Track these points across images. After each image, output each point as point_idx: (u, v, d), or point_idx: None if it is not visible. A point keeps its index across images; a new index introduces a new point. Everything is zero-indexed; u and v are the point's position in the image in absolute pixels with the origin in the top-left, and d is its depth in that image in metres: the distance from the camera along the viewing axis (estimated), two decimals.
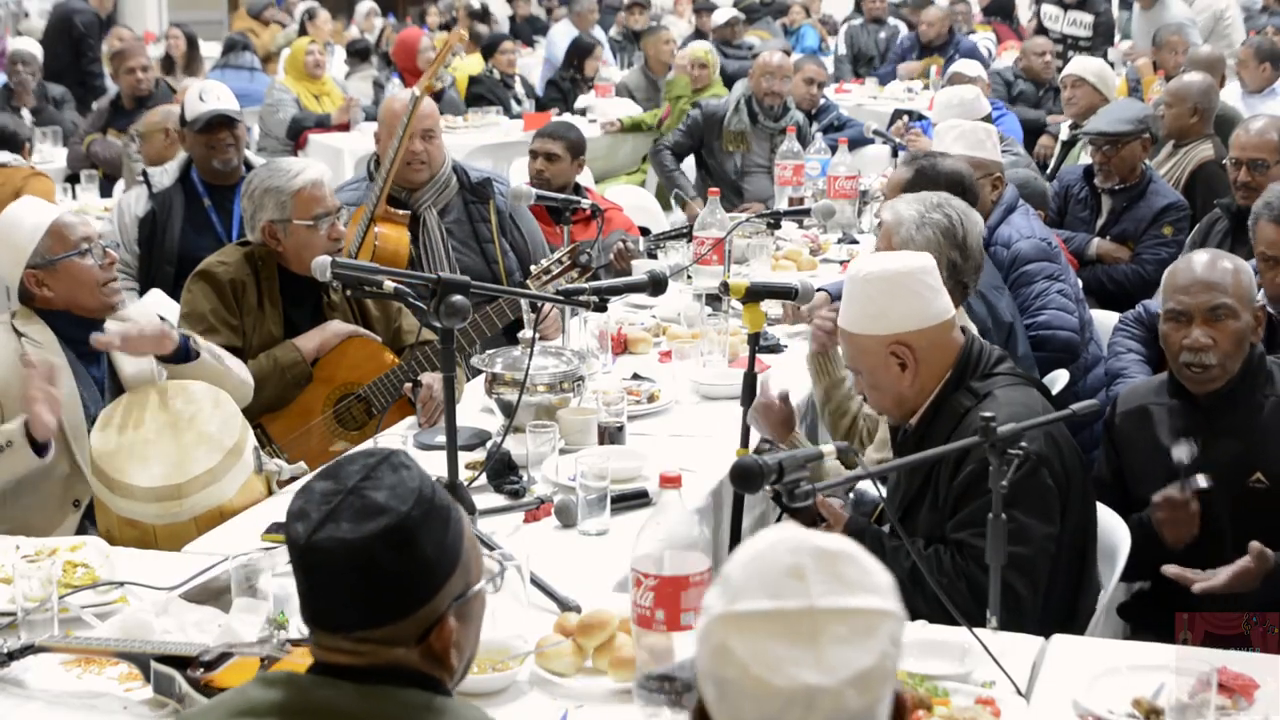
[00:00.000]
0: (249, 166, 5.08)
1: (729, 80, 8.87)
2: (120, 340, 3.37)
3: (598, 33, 12.62)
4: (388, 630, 1.72)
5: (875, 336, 2.93)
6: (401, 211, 4.63)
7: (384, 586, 1.71)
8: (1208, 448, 3.18)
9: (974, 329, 3.46)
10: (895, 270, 2.96)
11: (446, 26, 14.78)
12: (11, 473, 3.26)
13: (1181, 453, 3.10)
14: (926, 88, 10.20)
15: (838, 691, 1.38)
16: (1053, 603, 2.87)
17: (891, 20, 12.43)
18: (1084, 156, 6.68)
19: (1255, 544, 2.98)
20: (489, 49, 10.66)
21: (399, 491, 1.72)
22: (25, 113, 8.89)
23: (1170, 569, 3.03)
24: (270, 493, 3.38)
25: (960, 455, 2.83)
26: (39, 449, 3.24)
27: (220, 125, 5.08)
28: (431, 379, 3.79)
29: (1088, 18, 10.42)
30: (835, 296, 4.42)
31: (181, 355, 3.45)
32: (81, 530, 3.37)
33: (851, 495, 3.32)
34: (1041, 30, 10.64)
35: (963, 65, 8.38)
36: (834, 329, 3.73)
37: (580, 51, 10.84)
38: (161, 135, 6.15)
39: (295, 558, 1.75)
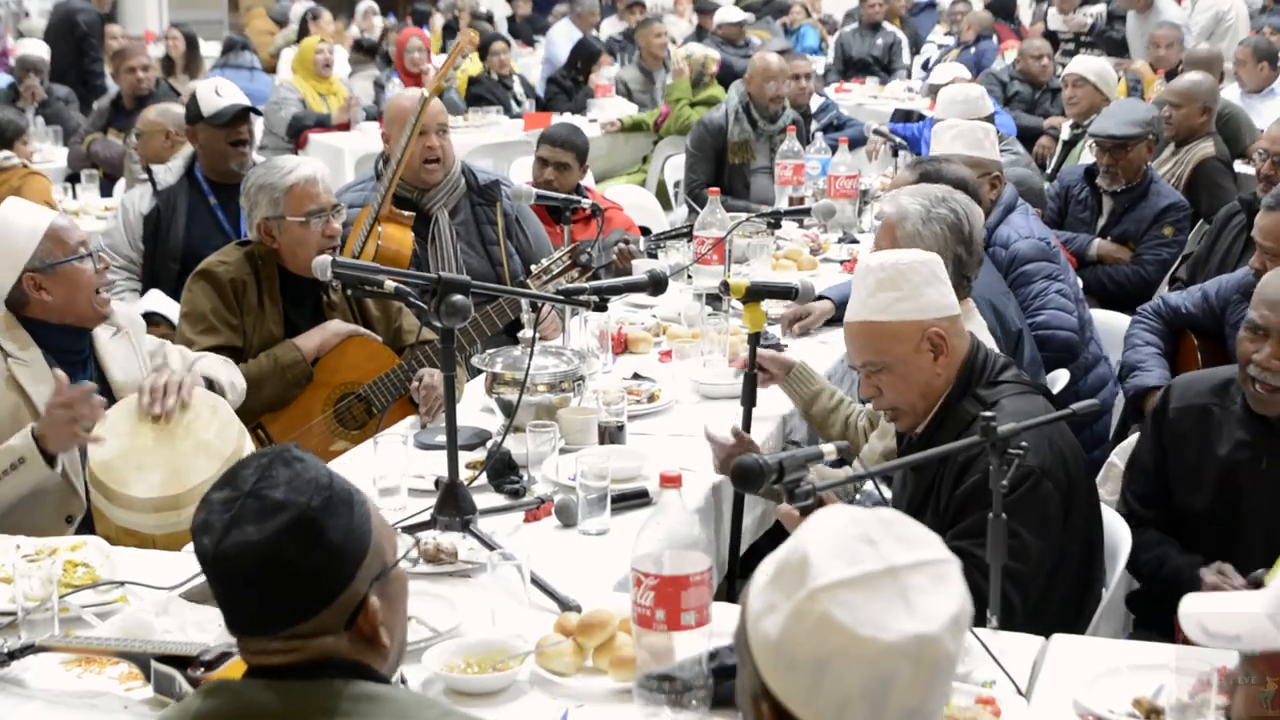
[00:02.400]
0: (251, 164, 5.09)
1: (731, 78, 8.86)
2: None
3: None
4: (312, 623, 1.73)
5: (911, 322, 2.89)
6: (407, 212, 4.62)
7: (299, 580, 1.72)
8: (1272, 470, 3.07)
9: (984, 334, 3.44)
10: (924, 259, 2.96)
11: (450, 28, 14.79)
12: (25, 487, 3.24)
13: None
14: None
15: (939, 637, 1.43)
16: (1056, 606, 2.87)
17: (888, 26, 12.40)
18: (1085, 156, 6.68)
19: None
20: (484, 50, 10.68)
21: (296, 485, 1.73)
22: (30, 112, 8.92)
23: (1209, 579, 2.93)
24: None
25: (963, 465, 2.83)
26: (50, 460, 3.23)
27: (242, 119, 5.09)
28: (430, 373, 3.79)
29: (1098, 8, 10.43)
30: (838, 303, 4.42)
31: None
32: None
33: (858, 496, 3.32)
34: (1049, 32, 10.64)
35: (938, 73, 8.43)
36: (780, 369, 3.73)
37: (585, 56, 10.82)
38: (162, 136, 6.14)
39: (208, 570, 1.76)
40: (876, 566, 1.45)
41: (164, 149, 6.01)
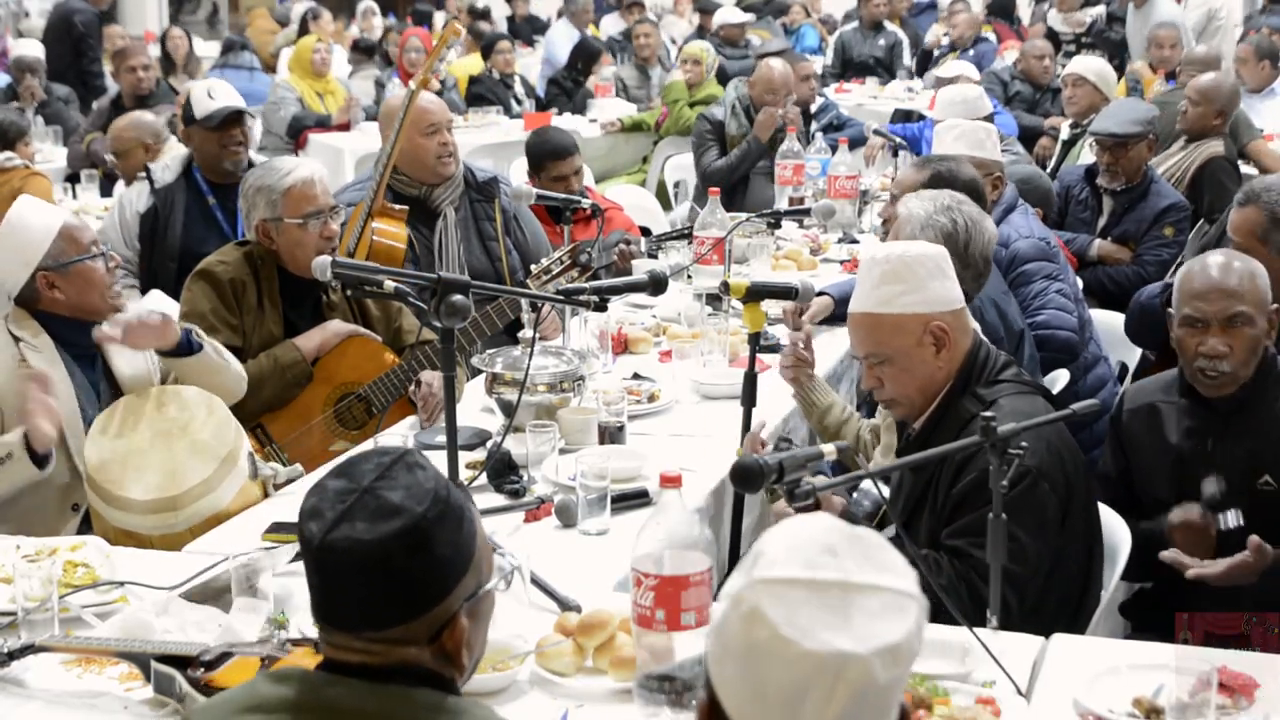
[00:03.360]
0: (249, 164, 5.09)
1: (729, 79, 8.85)
2: (122, 333, 3.36)
3: (591, 31, 12.65)
4: (400, 630, 1.72)
5: (914, 315, 2.91)
6: (399, 206, 4.62)
7: (399, 587, 1.71)
8: (1217, 449, 3.17)
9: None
10: (930, 252, 2.98)
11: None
12: (11, 484, 3.22)
13: (1211, 488, 3.07)
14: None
15: (867, 661, 1.38)
16: (1054, 607, 2.87)
17: (889, 26, 12.37)
18: (1084, 156, 6.68)
19: (1254, 538, 2.97)
20: (486, 49, 10.68)
21: (414, 492, 1.72)
22: (29, 112, 8.92)
23: (1167, 554, 3.03)
24: (266, 496, 3.36)
25: (961, 463, 2.83)
26: (39, 461, 3.21)
27: (233, 121, 5.10)
28: (430, 377, 3.79)
29: (1098, 9, 10.42)
30: (839, 300, 4.42)
31: (184, 349, 3.44)
32: (80, 534, 3.36)
33: (855, 495, 3.32)
34: (1051, 34, 10.62)
35: (945, 69, 8.41)
36: (806, 356, 3.73)
37: (586, 56, 10.82)
38: (140, 149, 6.02)
39: (309, 557, 1.74)
40: (828, 576, 1.41)
41: (143, 162, 5.92)
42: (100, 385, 3.53)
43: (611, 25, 14.19)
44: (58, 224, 3.48)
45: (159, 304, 4.87)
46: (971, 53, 11.10)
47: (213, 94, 5.11)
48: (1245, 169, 6.90)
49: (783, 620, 1.39)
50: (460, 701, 1.75)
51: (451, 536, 1.73)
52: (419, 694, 1.71)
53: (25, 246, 3.44)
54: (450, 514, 1.74)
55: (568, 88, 10.56)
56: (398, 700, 1.70)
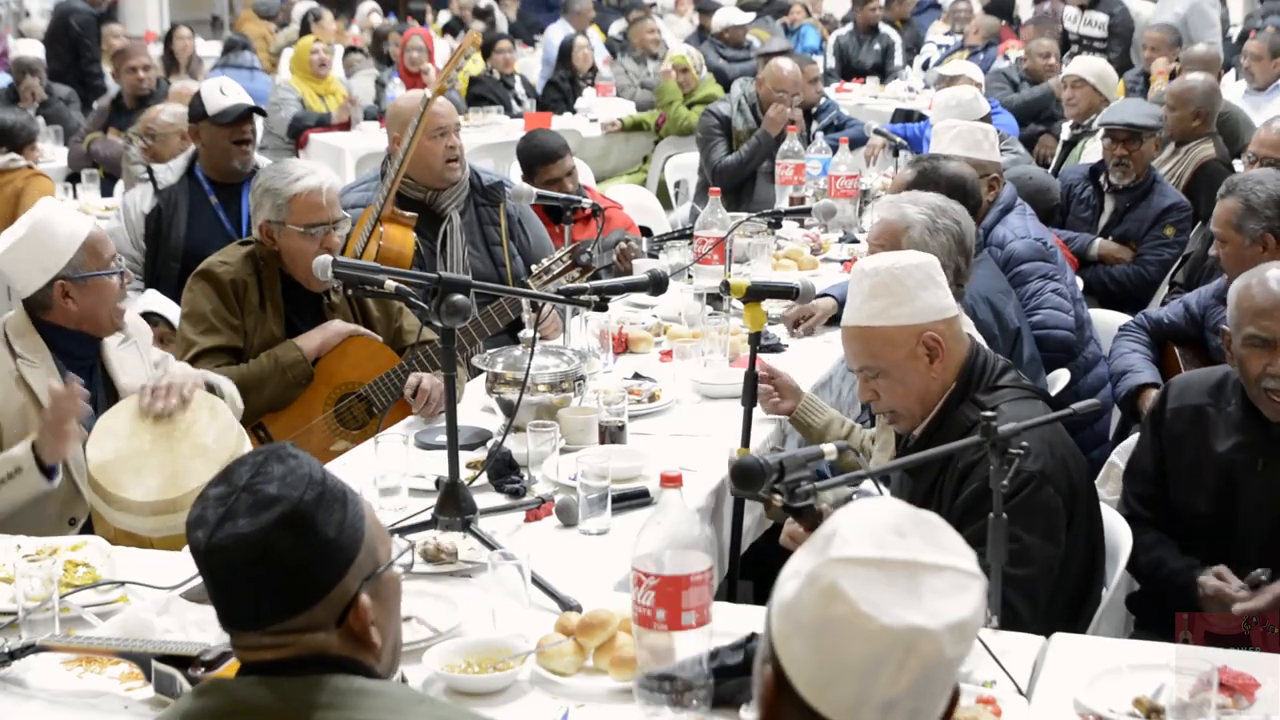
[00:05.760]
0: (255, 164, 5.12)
1: (729, 80, 8.84)
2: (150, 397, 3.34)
3: (595, 33, 12.63)
4: (303, 618, 1.75)
5: (906, 327, 2.89)
6: (409, 214, 4.61)
7: (289, 573, 1.74)
8: (1269, 469, 3.08)
9: (979, 337, 3.45)
10: (920, 262, 2.96)
11: (450, 28, 14.80)
12: (22, 496, 3.23)
13: (1258, 573, 3.00)
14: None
15: (937, 635, 1.45)
16: (1057, 607, 2.87)
17: (883, 28, 12.36)
18: (1085, 156, 6.68)
19: None
20: (486, 49, 10.69)
21: (289, 480, 1.75)
22: (30, 112, 8.92)
23: (1209, 584, 2.99)
24: None
25: (964, 472, 2.82)
26: (47, 472, 3.22)
27: (245, 119, 5.11)
28: (421, 378, 3.78)
29: (1102, 17, 10.41)
30: (841, 301, 4.42)
31: None
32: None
33: (855, 497, 3.31)
34: (1063, 33, 10.61)
35: (949, 67, 8.39)
36: (771, 386, 3.72)
37: (565, 52, 10.88)
38: (178, 137, 6.09)
39: (200, 563, 1.77)
40: (898, 555, 1.49)
41: (180, 150, 5.98)
42: (98, 395, 3.50)
43: (620, 26, 14.19)
44: (83, 234, 3.43)
45: (156, 304, 4.87)
46: (981, 57, 11.09)
47: (225, 91, 5.14)
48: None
49: (860, 597, 1.46)
50: (373, 682, 1.77)
51: (335, 518, 1.76)
52: (334, 680, 1.73)
53: (48, 253, 3.40)
54: (329, 495, 1.76)
55: (565, 90, 10.57)
56: (312, 688, 1.72)
